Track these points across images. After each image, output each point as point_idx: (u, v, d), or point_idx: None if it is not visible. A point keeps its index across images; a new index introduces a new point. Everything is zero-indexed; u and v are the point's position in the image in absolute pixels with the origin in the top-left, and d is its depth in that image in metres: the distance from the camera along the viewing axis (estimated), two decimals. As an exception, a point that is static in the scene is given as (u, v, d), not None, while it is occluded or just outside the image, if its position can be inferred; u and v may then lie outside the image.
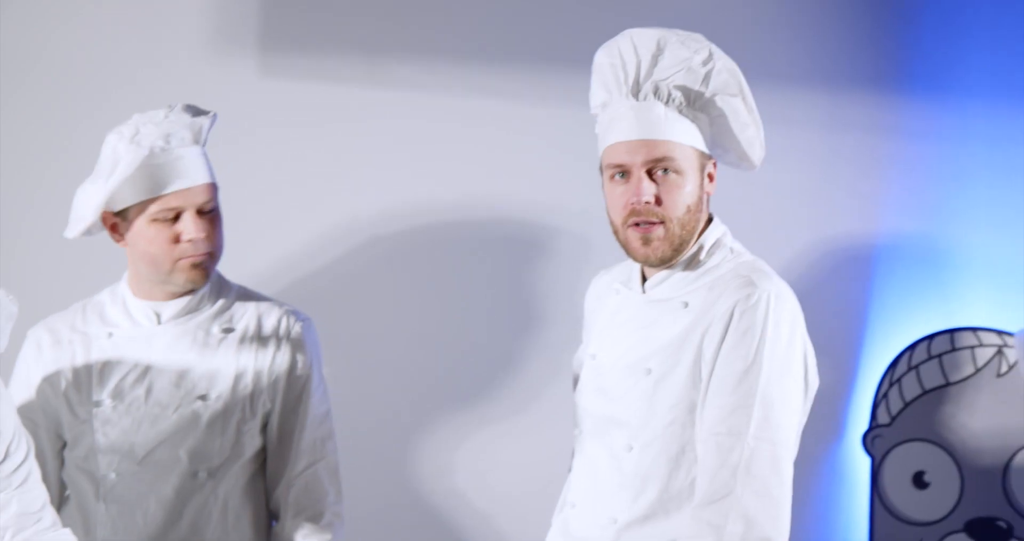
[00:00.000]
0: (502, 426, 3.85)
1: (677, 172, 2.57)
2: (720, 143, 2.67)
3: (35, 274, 3.64)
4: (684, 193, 2.58)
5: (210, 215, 2.86)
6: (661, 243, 2.59)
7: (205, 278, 2.87)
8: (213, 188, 2.87)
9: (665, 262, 2.62)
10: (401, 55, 3.83)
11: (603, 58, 2.64)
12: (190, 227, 2.82)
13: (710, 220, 2.68)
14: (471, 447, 3.84)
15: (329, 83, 3.81)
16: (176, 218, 2.83)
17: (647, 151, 2.57)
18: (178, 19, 3.75)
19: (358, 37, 3.82)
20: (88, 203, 2.85)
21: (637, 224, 2.59)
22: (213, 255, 2.87)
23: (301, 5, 3.80)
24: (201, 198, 2.83)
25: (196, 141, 2.87)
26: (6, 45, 3.68)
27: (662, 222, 2.58)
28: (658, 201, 2.57)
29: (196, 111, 2.90)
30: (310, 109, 3.80)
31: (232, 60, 3.76)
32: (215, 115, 2.94)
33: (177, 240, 2.83)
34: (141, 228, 2.84)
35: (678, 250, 2.61)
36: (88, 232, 2.90)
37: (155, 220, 2.82)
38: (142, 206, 2.83)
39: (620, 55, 2.61)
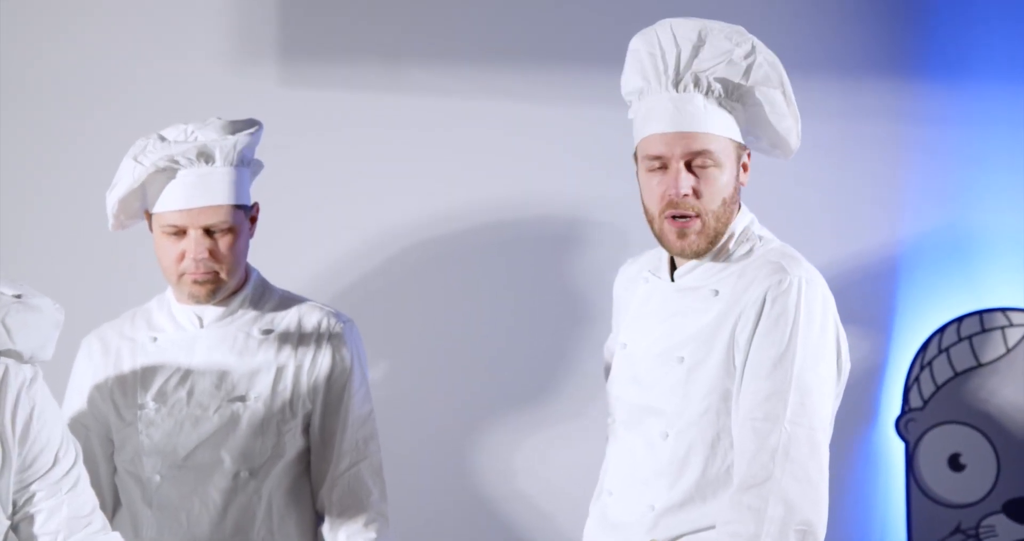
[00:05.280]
0: (559, 426, 3.84)
1: (715, 164, 2.57)
2: (753, 131, 2.66)
3: (76, 281, 3.67)
4: (721, 186, 2.58)
5: (224, 234, 2.87)
6: (697, 237, 2.59)
7: (210, 295, 2.89)
8: (227, 209, 2.86)
9: (700, 255, 2.62)
10: (419, 60, 3.84)
11: (641, 45, 2.62)
12: (192, 246, 2.85)
13: (739, 208, 2.68)
14: (530, 448, 3.83)
15: (349, 90, 3.82)
16: (184, 233, 2.85)
17: (686, 143, 2.56)
18: (198, 29, 3.76)
19: (376, 43, 3.83)
20: (107, 207, 2.92)
21: (674, 217, 2.58)
22: (220, 273, 2.88)
23: (319, 13, 3.81)
24: (206, 219, 2.85)
25: (221, 160, 2.86)
26: (27, 55, 3.69)
27: (698, 215, 2.58)
28: (696, 194, 2.57)
29: (232, 127, 2.89)
30: (331, 117, 3.81)
31: (252, 69, 3.77)
32: (259, 129, 2.92)
33: (183, 256, 2.86)
34: (156, 236, 2.90)
35: (713, 243, 2.61)
36: (123, 227, 2.96)
37: (164, 233, 2.87)
38: (155, 216, 2.88)
39: (660, 44, 2.59)
